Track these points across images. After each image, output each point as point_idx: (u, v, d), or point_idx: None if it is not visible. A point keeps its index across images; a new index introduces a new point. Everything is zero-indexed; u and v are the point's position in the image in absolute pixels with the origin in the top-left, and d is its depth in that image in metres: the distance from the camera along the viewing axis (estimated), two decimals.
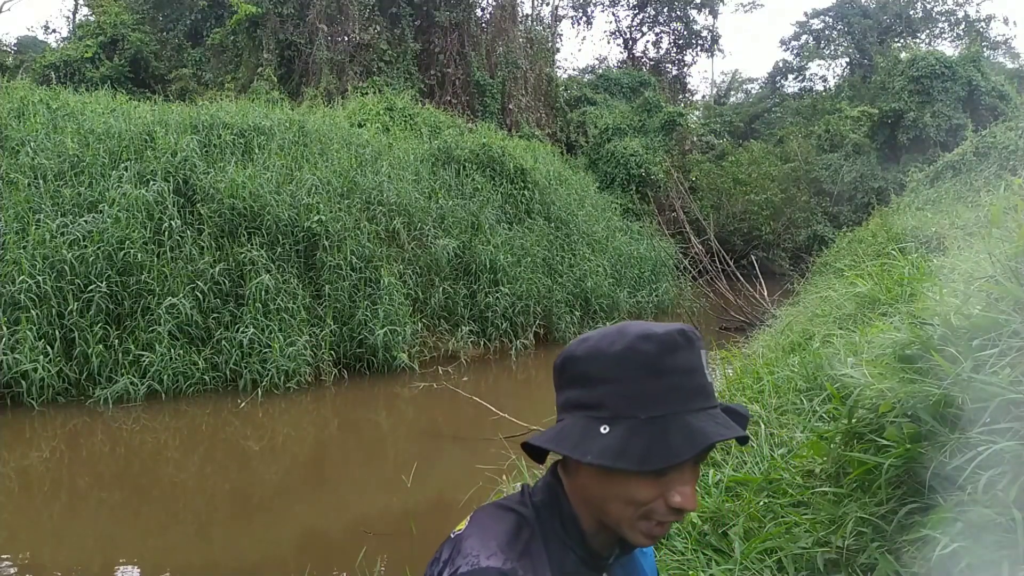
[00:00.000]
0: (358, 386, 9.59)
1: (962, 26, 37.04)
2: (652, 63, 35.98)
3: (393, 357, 9.79)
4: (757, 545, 2.52)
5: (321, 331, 9.48)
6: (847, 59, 38.27)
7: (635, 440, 0.87)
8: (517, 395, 10.27)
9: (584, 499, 0.96)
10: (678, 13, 36.19)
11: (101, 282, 8.39)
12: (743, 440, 0.95)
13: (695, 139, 27.91)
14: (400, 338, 9.95)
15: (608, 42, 58.40)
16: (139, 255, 8.74)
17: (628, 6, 36.66)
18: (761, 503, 2.79)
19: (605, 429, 0.89)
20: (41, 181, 9.31)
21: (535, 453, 1.01)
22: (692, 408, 0.90)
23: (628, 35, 37.22)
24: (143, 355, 8.25)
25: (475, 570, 0.89)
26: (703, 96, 42.01)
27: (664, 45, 36.99)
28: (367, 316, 9.80)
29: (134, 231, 8.90)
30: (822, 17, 38.72)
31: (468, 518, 1.00)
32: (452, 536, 0.98)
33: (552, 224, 14.22)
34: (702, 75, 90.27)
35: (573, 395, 0.94)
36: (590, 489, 0.95)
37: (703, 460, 0.96)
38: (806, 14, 46.88)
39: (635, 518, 0.92)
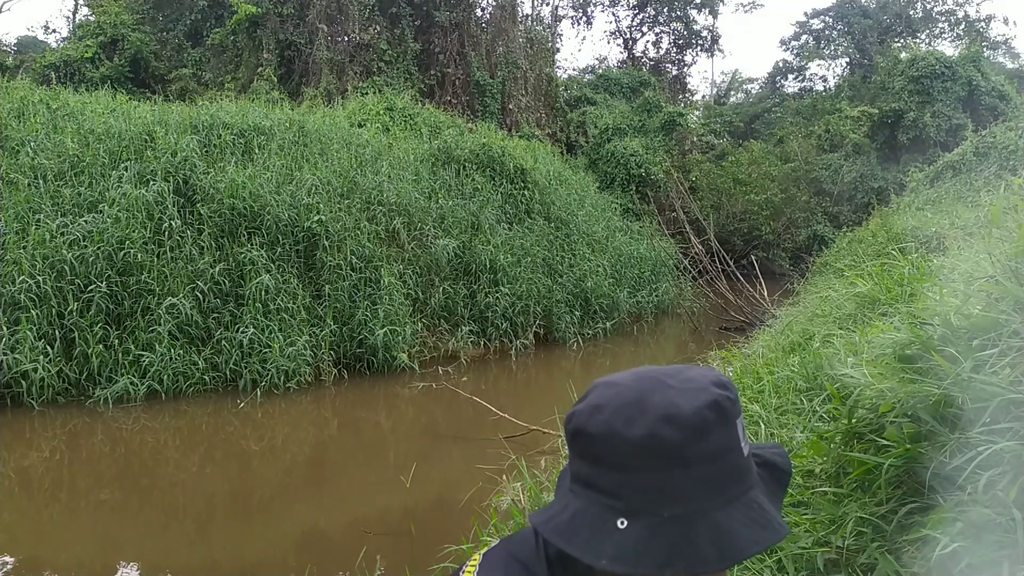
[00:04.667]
0: (358, 386, 9.59)
1: (962, 26, 37.05)
2: (652, 63, 35.96)
3: (393, 357, 9.78)
4: None
5: (321, 331, 9.48)
6: (847, 59, 38.27)
7: (656, 542, 0.75)
8: (517, 395, 10.28)
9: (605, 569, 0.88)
10: (678, 13, 36.17)
11: (101, 282, 8.39)
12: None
13: (695, 139, 27.90)
14: (400, 338, 9.95)
15: (608, 42, 58.40)
16: (139, 255, 8.74)
17: (628, 6, 36.65)
18: None
19: (623, 524, 0.77)
20: (41, 181, 9.31)
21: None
22: (723, 501, 0.77)
23: (628, 35, 37.22)
24: (143, 355, 8.24)
25: None
26: (703, 96, 42.04)
27: (664, 45, 37.00)
28: (367, 316, 9.80)
29: (134, 231, 8.89)
30: (822, 17, 38.71)
31: (477, 564, 0.91)
32: None
33: (552, 224, 14.22)
34: (702, 75, 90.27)
35: (586, 471, 0.82)
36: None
37: None
38: (806, 14, 46.83)
39: None
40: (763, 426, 3.54)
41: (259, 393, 8.52)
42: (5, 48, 27.85)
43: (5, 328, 7.77)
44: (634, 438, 0.77)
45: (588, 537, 0.78)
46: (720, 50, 49.03)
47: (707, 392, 0.80)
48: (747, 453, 0.82)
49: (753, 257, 17.39)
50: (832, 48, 38.92)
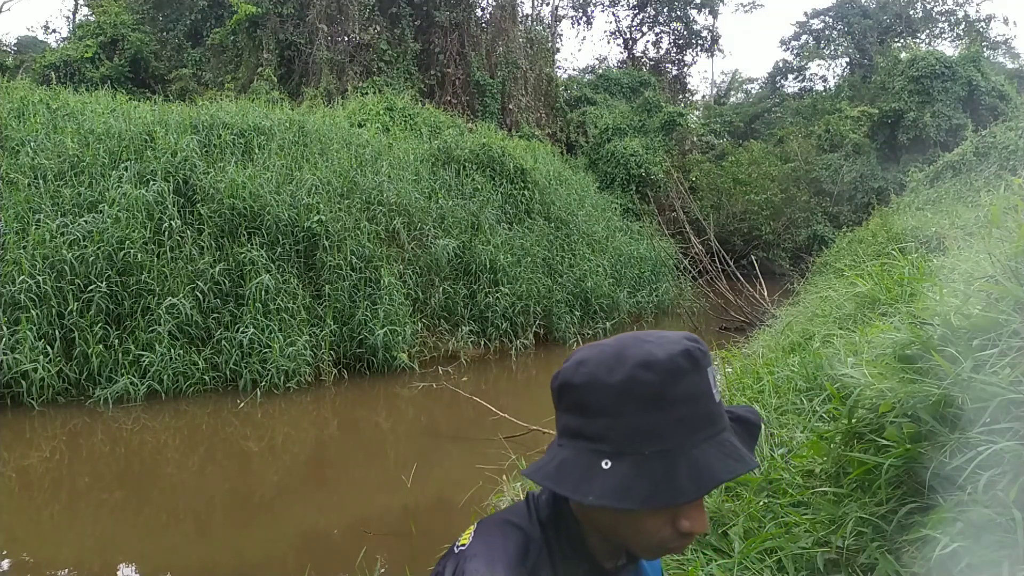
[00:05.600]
0: (358, 386, 9.59)
1: (962, 26, 37.04)
2: (652, 63, 35.96)
3: (393, 357, 9.78)
4: (757, 545, 2.52)
5: (321, 331, 9.48)
6: (847, 59, 38.27)
7: (639, 478, 0.82)
8: (517, 395, 10.27)
9: (591, 522, 0.94)
10: (678, 13, 36.17)
11: (101, 282, 8.39)
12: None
13: (695, 139, 27.89)
14: (400, 338, 9.94)
15: (608, 42, 58.43)
16: (139, 255, 8.74)
17: (628, 6, 36.65)
18: (761, 503, 2.79)
19: (607, 464, 0.84)
20: (41, 181, 9.31)
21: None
22: (699, 439, 0.84)
23: (628, 35, 37.22)
24: (143, 355, 8.24)
25: (471, 562, 0.87)
26: (703, 96, 42.03)
27: (664, 45, 37.00)
28: (367, 316, 9.80)
29: (134, 231, 8.89)
30: (822, 17, 38.71)
31: (472, 531, 0.95)
32: (455, 551, 0.93)
33: (552, 224, 14.22)
34: (702, 75, 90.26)
35: (573, 423, 0.89)
36: (598, 519, 0.93)
37: None
38: (806, 14, 46.88)
39: (647, 545, 0.90)
40: (763, 426, 3.54)
41: (259, 393, 8.52)
42: (5, 48, 27.86)
43: (5, 328, 7.77)
44: (615, 383, 0.85)
45: (576, 479, 0.84)
46: (720, 50, 49.04)
47: (680, 344, 0.88)
48: (719, 400, 0.89)
49: (753, 257, 17.38)
50: (832, 48, 38.92)
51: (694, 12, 36.30)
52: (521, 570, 0.88)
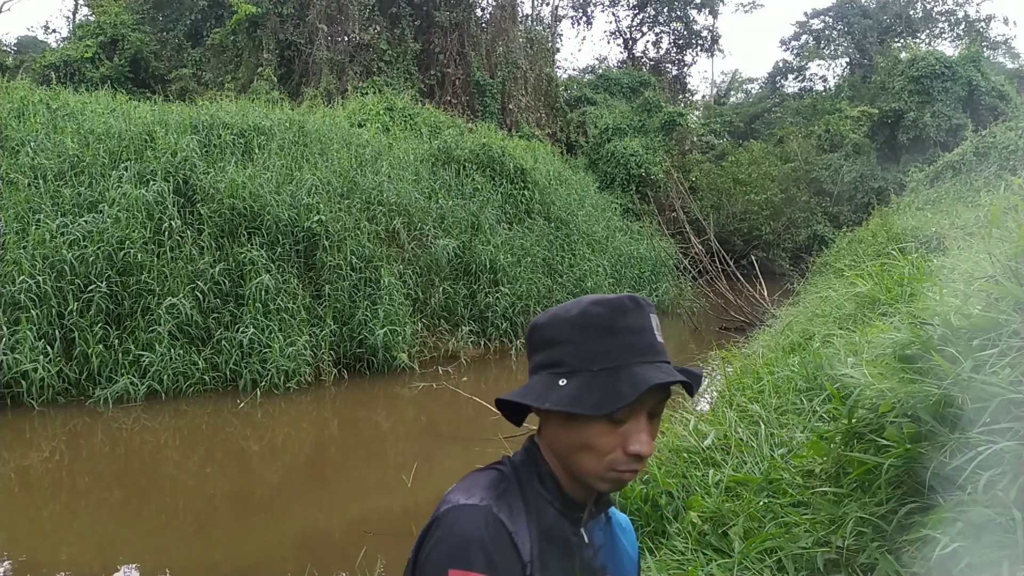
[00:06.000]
0: (358, 386, 9.59)
1: (962, 26, 37.05)
2: (652, 63, 35.96)
3: (393, 357, 9.78)
4: (757, 545, 2.52)
5: (321, 331, 9.48)
6: (847, 59, 38.28)
7: (589, 389, 0.98)
8: None
9: (555, 453, 1.06)
10: (678, 13, 36.17)
11: (101, 282, 8.39)
12: (689, 387, 1.03)
13: (695, 139, 27.89)
14: (400, 338, 9.94)
15: (608, 42, 58.45)
16: (139, 255, 8.74)
17: (628, 6, 36.65)
18: (761, 503, 2.79)
19: (563, 382, 1.00)
20: (41, 181, 9.31)
21: (512, 415, 1.13)
22: (640, 361, 1.00)
23: (628, 35, 37.22)
24: (143, 355, 8.24)
25: (453, 507, 1.00)
26: (703, 96, 42.05)
27: (664, 45, 37.00)
28: (367, 316, 9.80)
29: (134, 231, 8.89)
30: (822, 17, 38.72)
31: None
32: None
33: (552, 224, 14.22)
34: (702, 75, 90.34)
35: (538, 358, 1.06)
36: (558, 442, 1.04)
37: (659, 412, 1.05)
38: (806, 14, 46.86)
39: (600, 468, 1.01)
40: (763, 426, 3.54)
41: (259, 393, 8.52)
42: (5, 48, 27.86)
43: (5, 328, 7.77)
44: (571, 317, 1.03)
45: (537, 393, 1.01)
46: (720, 50, 49.11)
47: (625, 295, 1.07)
48: (660, 341, 1.04)
49: (753, 257, 17.37)
50: (832, 48, 38.93)
51: (694, 12, 36.31)
52: (494, 492, 1.02)
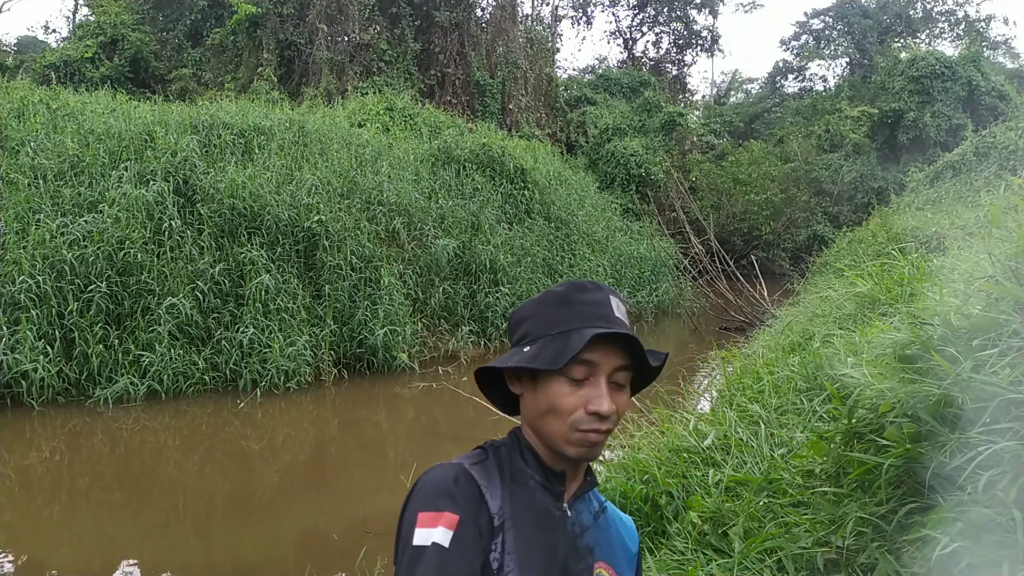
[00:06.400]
0: (358, 386, 9.59)
1: (962, 26, 37.05)
2: (652, 63, 35.96)
3: (393, 357, 9.78)
4: (757, 545, 2.52)
5: (321, 331, 9.48)
6: (847, 59, 38.28)
7: (546, 348, 1.08)
8: None
9: (532, 428, 1.13)
10: (678, 13, 36.17)
11: (101, 282, 8.39)
12: (647, 361, 1.11)
13: (695, 139, 27.90)
14: (400, 338, 9.94)
15: (608, 42, 58.46)
16: (139, 255, 8.74)
17: (628, 6, 36.66)
18: (761, 503, 2.79)
19: (527, 348, 1.10)
20: (41, 181, 9.30)
21: (504, 405, 1.22)
22: (593, 325, 1.07)
23: (628, 35, 37.22)
24: (143, 355, 8.24)
25: (431, 468, 1.08)
26: (703, 96, 42.06)
27: (664, 45, 37.01)
28: (367, 316, 9.79)
29: (134, 231, 8.89)
30: (822, 17, 38.72)
31: None
32: None
33: (552, 224, 14.22)
34: (702, 75, 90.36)
35: (513, 339, 1.16)
36: (529, 411, 1.13)
37: (623, 382, 1.11)
38: (806, 14, 46.87)
39: (566, 430, 1.08)
40: (763, 426, 3.54)
41: (259, 393, 8.52)
42: (5, 48, 27.86)
43: (5, 328, 7.77)
44: (536, 298, 1.16)
45: (506, 359, 1.12)
46: (720, 50, 49.12)
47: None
48: (620, 317, 1.11)
49: (753, 257, 17.37)
50: (832, 48, 38.93)
51: (694, 12, 36.31)
52: (471, 459, 1.11)
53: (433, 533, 0.98)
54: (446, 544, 0.97)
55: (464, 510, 1.01)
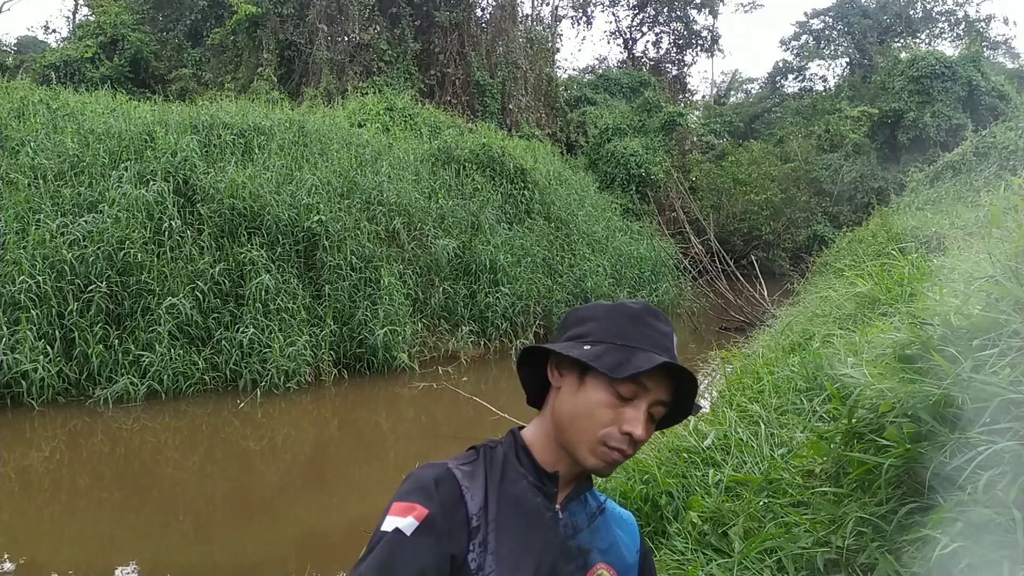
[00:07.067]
0: (358, 386, 9.59)
1: (962, 26, 37.05)
2: (652, 63, 35.96)
3: (393, 357, 9.78)
4: (757, 545, 2.52)
5: (321, 331, 9.48)
6: (847, 59, 38.28)
7: (609, 355, 1.07)
8: (517, 395, 10.12)
9: (554, 422, 1.13)
10: (678, 13, 36.18)
11: (101, 282, 8.39)
12: (686, 413, 1.14)
13: (695, 139, 27.91)
14: (400, 338, 9.94)
15: (608, 42, 58.36)
16: (139, 255, 8.74)
17: (628, 6, 36.66)
18: (761, 503, 2.79)
19: (588, 347, 1.09)
20: (41, 181, 9.31)
21: (534, 393, 1.22)
22: (656, 350, 1.09)
23: (628, 35, 37.22)
24: (143, 355, 8.24)
25: (419, 466, 1.11)
26: (703, 96, 42.05)
27: (664, 45, 37.01)
28: (367, 316, 9.79)
29: (134, 231, 8.89)
30: (822, 17, 38.72)
31: None
32: None
33: (552, 224, 14.22)
34: (702, 75, 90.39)
35: (569, 332, 1.15)
36: (564, 406, 1.12)
37: (656, 416, 1.12)
38: (806, 14, 46.88)
39: (594, 441, 1.08)
40: (763, 426, 3.54)
41: (259, 393, 8.52)
42: (5, 48, 27.87)
43: (5, 328, 7.77)
44: (608, 304, 1.16)
45: (565, 348, 1.11)
46: (720, 50, 49.14)
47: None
48: (674, 354, 1.12)
49: (753, 257, 17.38)
50: (832, 48, 38.93)
51: (694, 12, 36.32)
52: (459, 460, 1.13)
53: (400, 522, 1.03)
54: (408, 533, 1.02)
55: (437, 507, 1.04)
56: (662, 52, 36.81)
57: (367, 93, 17.87)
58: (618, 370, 1.05)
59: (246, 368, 8.65)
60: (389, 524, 1.03)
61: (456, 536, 1.05)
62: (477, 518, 1.07)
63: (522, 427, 1.19)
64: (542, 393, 1.20)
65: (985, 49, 32.11)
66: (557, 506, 1.13)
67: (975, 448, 1.72)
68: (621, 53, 37.49)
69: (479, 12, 22.54)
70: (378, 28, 19.98)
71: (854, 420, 2.40)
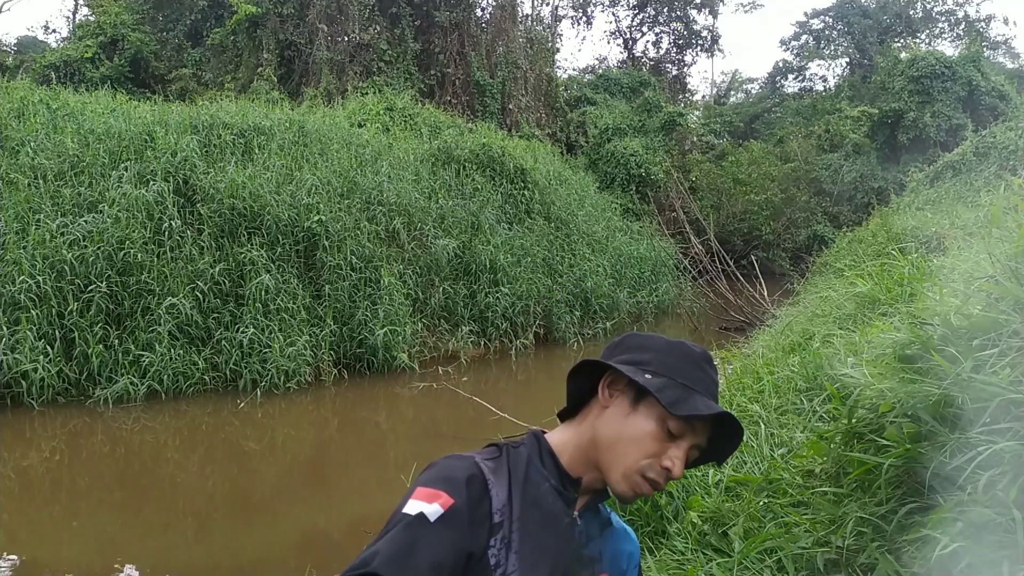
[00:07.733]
0: (358, 386, 9.59)
1: (962, 26, 37.03)
2: (652, 63, 35.95)
3: (393, 357, 9.78)
4: (757, 545, 2.52)
5: (321, 331, 9.48)
6: (847, 59, 38.26)
7: (671, 390, 1.09)
8: (517, 395, 10.28)
9: (594, 440, 1.14)
10: (678, 13, 36.17)
11: (101, 282, 8.39)
12: (731, 442, 1.16)
13: (695, 139, 27.91)
14: (400, 338, 9.94)
15: (608, 42, 58.27)
16: (139, 255, 8.74)
17: (628, 6, 36.65)
18: (761, 503, 2.79)
19: (648, 376, 1.10)
20: (41, 181, 9.30)
21: (576, 397, 1.21)
22: (711, 397, 1.12)
23: (628, 35, 37.21)
24: (143, 355, 8.24)
25: (447, 456, 1.12)
26: (703, 96, 42.02)
27: (664, 45, 37.00)
28: (367, 316, 9.79)
29: (134, 231, 8.89)
30: (822, 17, 38.69)
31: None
32: None
33: (552, 224, 14.22)
34: (702, 75, 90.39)
35: (625, 356, 1.16)
36: (610, 427, 1.13)
37: (692, 452, 1.13)
38: (806, 14, 46.85)
39: (632, 469, 1.10)
40: (763, 426, 3.54)
41: (259, 393, 8.52)
42: (5, 48, 27.85)
43: (5, 328, 7.77)
44: (670, 340, 1.18)
45: (631, 371, 1.11)
46: (720, 50, 49.10)
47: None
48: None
49: (753, 257, 17.37)
50: (832, 48, 38.91)
51: (694, 12, 36.31)
52: (484, 455, 1.12)
53: (425, 507, 1.01)
54: (432, 520, 1.00)
55: (464, 500, 1.03)
56: (662, 52, 36.83)
57: (367, 93, 17.87)
58: (678, 407, 1.07)
59: (246, 368, 8.65)
60: (413, 507, 1.01)
61: (477, 531, 1.04)
62: (500, 514, 1.06)
63: (543, 431, 1.19)
64: (579, 405, 1.21)
65: (985, 49, 32.09)
66: (575, 513, 1.14)
67: (975, 448, 1.72)
68: (621, 53, 37.52)
69: (479, 12, 22.56)
70: (378, 28, 19.98)
71: (854, 420, 2.40)
